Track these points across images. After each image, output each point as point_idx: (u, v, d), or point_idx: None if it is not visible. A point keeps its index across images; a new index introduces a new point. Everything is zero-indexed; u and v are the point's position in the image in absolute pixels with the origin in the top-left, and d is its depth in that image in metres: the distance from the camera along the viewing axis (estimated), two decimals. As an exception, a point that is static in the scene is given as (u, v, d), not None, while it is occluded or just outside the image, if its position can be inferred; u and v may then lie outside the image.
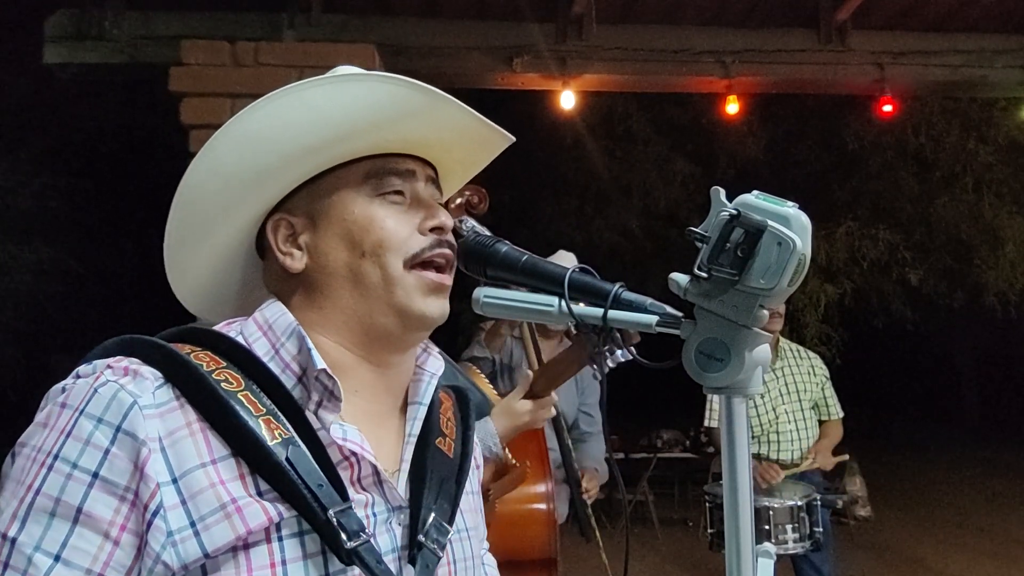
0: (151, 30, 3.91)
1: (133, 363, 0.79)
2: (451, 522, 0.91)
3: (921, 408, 17.97)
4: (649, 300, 0.81)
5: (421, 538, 0.86)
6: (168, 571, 0.75)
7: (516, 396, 1.86)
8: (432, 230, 0.91)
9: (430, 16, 4.16)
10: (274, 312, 0.89)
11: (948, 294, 9.29)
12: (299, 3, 3.96)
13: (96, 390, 0.76)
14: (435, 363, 0.99)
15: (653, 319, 0.78)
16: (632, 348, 0.91)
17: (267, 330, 0.88)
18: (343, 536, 0.78)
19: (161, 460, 0.76)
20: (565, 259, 3.20)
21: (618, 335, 0.84)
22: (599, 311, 0.80)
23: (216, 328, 0.89)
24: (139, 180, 8.92)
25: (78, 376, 0.79)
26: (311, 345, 0.86)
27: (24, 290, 8.51)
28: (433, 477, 0.91)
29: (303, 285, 0.91)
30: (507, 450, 2.04)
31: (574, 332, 1.73)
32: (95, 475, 0.74)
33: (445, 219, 0.92)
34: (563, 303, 0.83)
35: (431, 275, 0.91)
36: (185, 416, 0.78)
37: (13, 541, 0.73)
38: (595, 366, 1.67)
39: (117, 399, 0.76)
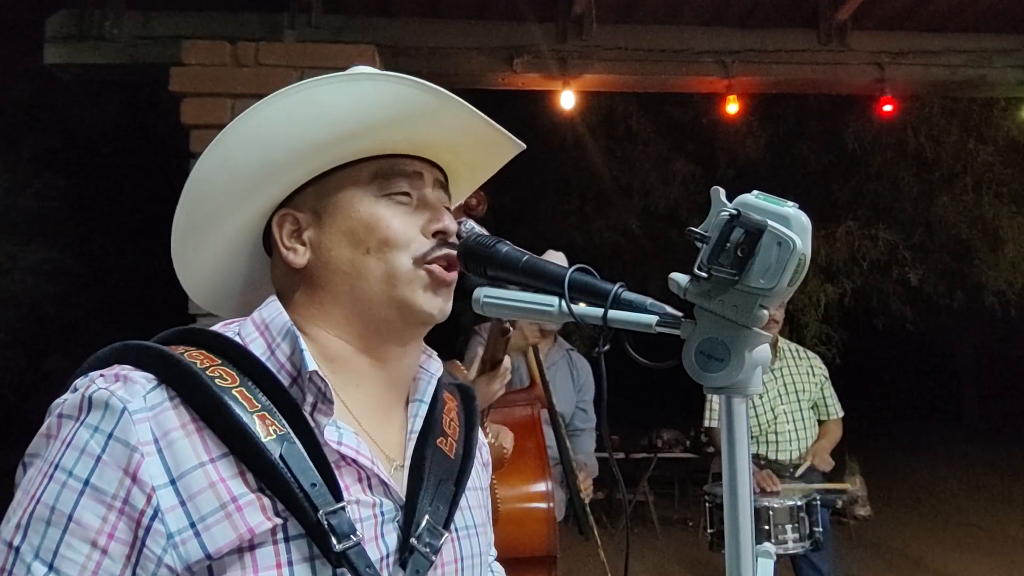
0: (152, 30, 3.91)
1: (124, 369, 0.80)
2: (446, 525, 0.91)
3: (921, 408, 17.97)
4: (649, 300, 0.80)
5: (413, 541, 0.86)
6: (172, 574, 0.75)
7: (472, 373, 2.09)
8: (435, 233, 0.92)
9: (430, 16, 4.16)
10: (271, 312, 0.90)
11: (948, 294, 9.29)
12: (299, 3, 3.96)
13: (89, 399, 0.77)
14: (436, 365, 1.00)
15: (653, 319, 0.78)
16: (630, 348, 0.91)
17: (264, 330, 0.88)
18: (332, 539, 0.78)
19: (157, 462, 0.76)
20: (554, 258, 3.22)
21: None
22: (599, 311, 0.80)
23: (214, 328, 0.89)
24: (140, 181, 8.93)
25: (75, 389, 0.80)
26: (303, 346, 0.86)
27: (24, 291, 8.50)
28: (431, 478, 0.91)
29: (306, 280, 0.92)
30: (496, 436, 2.18)
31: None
32: (86, 483, 0.75)
33: (449, 223, 0.93)
34: (563, 303, 0.82)
35: (439, 270, 0.92)
36: (179, 417, 0.78)
37: (17, 550, 0.75)
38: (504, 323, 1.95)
39: (109, 406, 0.77)
